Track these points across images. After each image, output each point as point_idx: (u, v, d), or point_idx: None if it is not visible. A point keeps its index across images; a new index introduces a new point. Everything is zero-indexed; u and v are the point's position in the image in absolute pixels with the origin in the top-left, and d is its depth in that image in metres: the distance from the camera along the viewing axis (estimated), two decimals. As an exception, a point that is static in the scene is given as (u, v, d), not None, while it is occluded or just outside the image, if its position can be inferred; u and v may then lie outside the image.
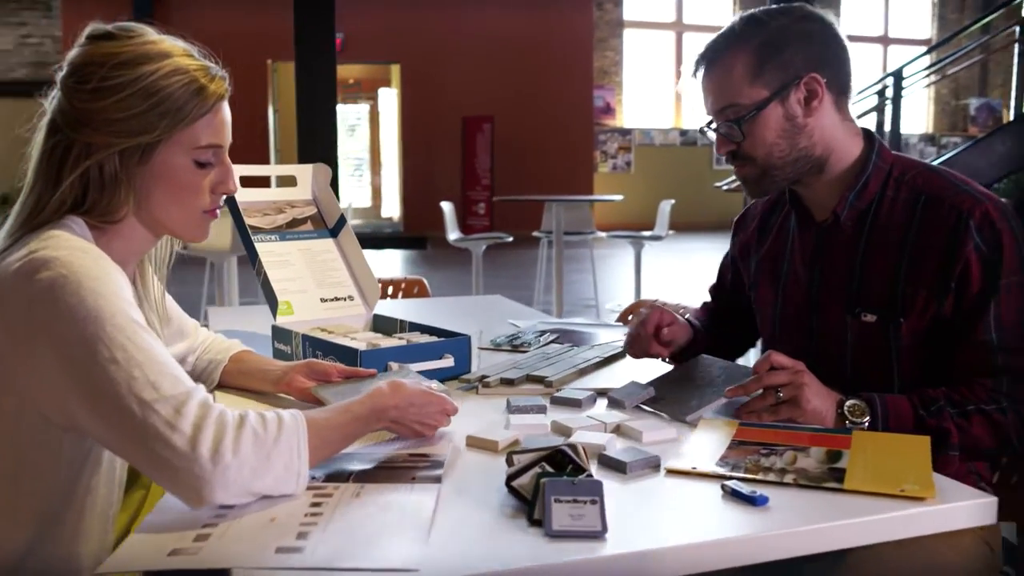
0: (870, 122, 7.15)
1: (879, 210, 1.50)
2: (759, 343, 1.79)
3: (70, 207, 1.21)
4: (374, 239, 14.03)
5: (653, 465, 1.20)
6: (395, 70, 14.38)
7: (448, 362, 1.67)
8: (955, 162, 6.11)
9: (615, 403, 1.51)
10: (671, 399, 1.48)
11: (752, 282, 1.71)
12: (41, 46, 13.24)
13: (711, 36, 1.53)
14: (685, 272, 9.31)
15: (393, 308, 2.67)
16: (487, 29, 13.51)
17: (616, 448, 1.25)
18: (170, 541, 0.98)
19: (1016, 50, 6.75)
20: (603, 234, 6.35)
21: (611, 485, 1.15)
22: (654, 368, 1.72)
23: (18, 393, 1.10)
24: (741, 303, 1.78)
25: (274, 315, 1.87)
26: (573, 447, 1.15)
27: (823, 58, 1.48)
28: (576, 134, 14.01)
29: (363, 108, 17.34)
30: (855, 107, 8.61)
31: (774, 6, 1.52)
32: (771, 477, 1.14)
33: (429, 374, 1.64)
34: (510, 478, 1.09)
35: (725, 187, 6.07)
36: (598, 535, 0.98)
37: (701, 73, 1.54)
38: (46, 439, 1.15)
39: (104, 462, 1.20)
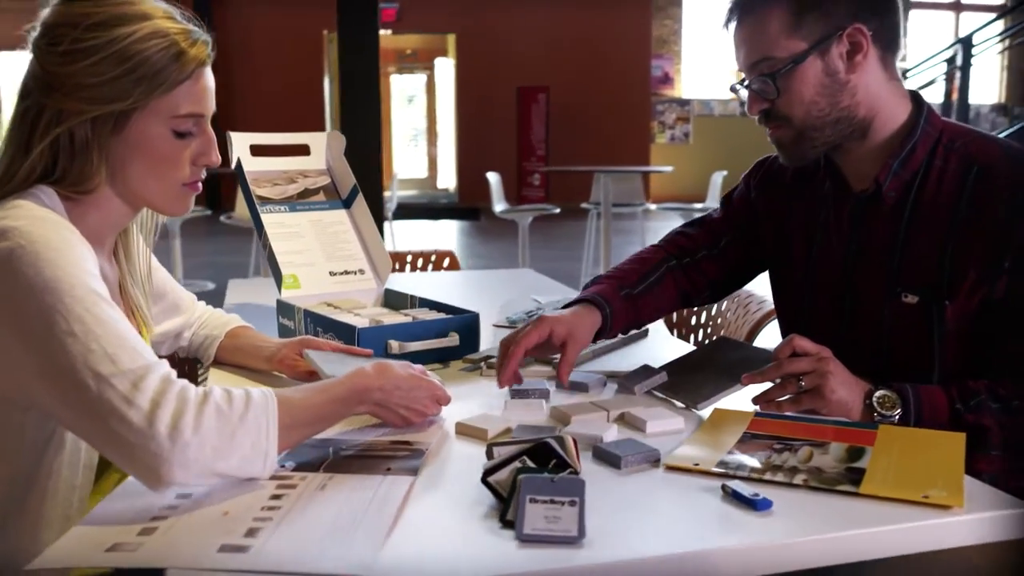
0: (938, 92, 6.84)
1: (926, 180, 1.36)
2: (774, 325, 1.65)
3: (40, 176, 1.14)
4: (429, 210, 14.04)
5: (651, 460, 1.09)
6: (451, 40, 14.26)
7: (453, 340, 1.58)
8: (1027, 133, 5.80)
9: (625, 388, 1.40)
10: (684, 385, 1.37)
11: (775, 255, 1.58)
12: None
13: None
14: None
15: (419, 281, 2.59)
16: (543, -3, 13.30)
17: (614, 440, 1.15)
18: (113, 534, 0.91)
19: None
20: (653, 206, 6.19)
21: (603, 480, 1.05)
22: (677, 350, 1.61)
23: None
24: (737, 254, 1.62)
25: (279, 289, 1.80)
26: (561, 440, 1.05)
27: (870, 8, 1.34)
28: (633, 104, 13.73)
29: (420, 78, 17.29)
30: (921, 76, 8.27)
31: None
32: (779, 477, 1.03)
33: (433, 353, 1.56)
34: (487, 472, 0.99)
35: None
36: (573, 541, 0.88)
37: (733, 24, 1.40)
38: (6, 420, 1.09)
39: (68, 444, 1.14)
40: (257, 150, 1.94)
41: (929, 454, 1.09)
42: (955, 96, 6.67)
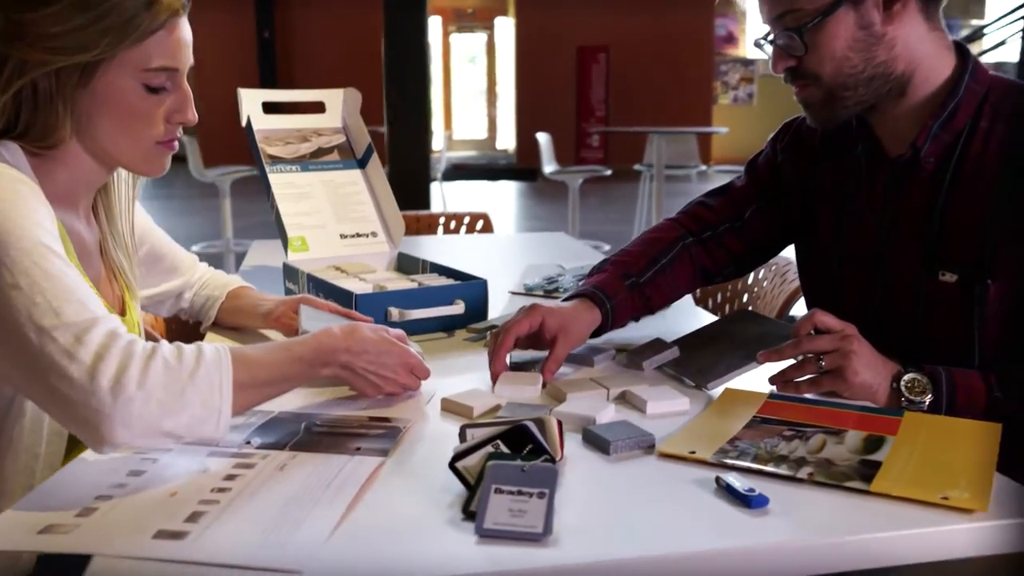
0: (1012, 52, 6.44)
1: (969, 144, 1.22)
2: (800, 300, 1.52)
3: (3, 130, 1.08)
4: (487, 171, 13.95)
5: (645, 445, 1.00)
6: (510, -2, 14.05)
7: (458, 309, 1.50)
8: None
9: (633, 363, 1.30)
10: (696, 362, 1.26)
11: (802, 226, 1.45)
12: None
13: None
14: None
15: (447, 244, 2.51)
16: (604, -46, 12.98)
17: (608, 422, 1.06)
18: (51, 515, 0.85)
19: None
20: (706, 167, 5.99)
21: (588, 468, 0.96)
22: (699, 322, 1.50)
23: None
24: (762, 225, 1.48)
25: (285, 252, 1.73)
26: (541, 422, 0.96)
27: None
28: (695, 65, 13.36)
29: (480, 38, 17.10)
30: (993, 36, 7.80)
31: None
32: (783, 469, 0.93)
33: (436, 321, 1.48)
34: (456, 457, 0.91)
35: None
36: (536, 538, 0.79)
37: None
38: None
39: (29, 410, 1.09)
40: (270, 107, 1.87)
41: (958, 447, 0.97)
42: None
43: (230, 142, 6.60)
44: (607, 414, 1.08)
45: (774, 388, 1.18)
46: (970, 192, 1.21)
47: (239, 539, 0.80)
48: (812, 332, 1.17)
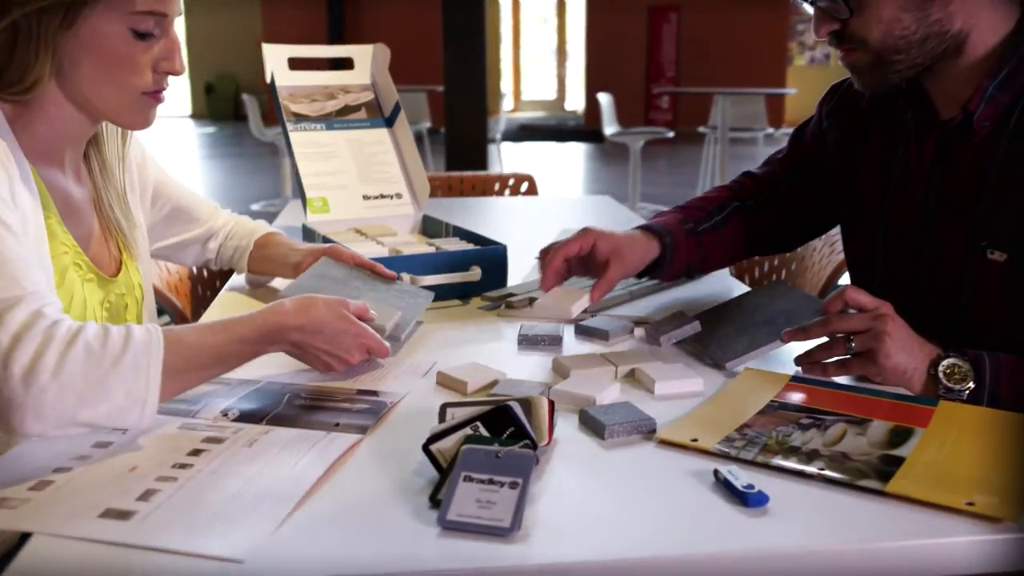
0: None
1: None
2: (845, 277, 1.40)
3: None
4: (555, 132, 13.79)
5: (644, 430, 0.92)
6: (581, -45, 13.75)
7: (474, 275, 1.42)
8: None
9: (651, 338, 1.22)
10: (717, 338, 1.17)
11: (845, 197, 1.33)
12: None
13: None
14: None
15: (483, 206, 2.43)
16: (679, -92, 12.57)
17: (609, 402, 0.98)
18: (5, 489, 0.81)
19: None
20: (773, 131, 5.77)
21: (579, 454, 0.88)
22: (727, 294, 1.40)
23: None
24: (802, 200, 1.39)
25: (305, 213, 1.68)
26: (528, 403, 0.88)
27: None
28: (768, 24, 12.90)
29: (551, -3, 16.85)
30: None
31: None
32: (791, 463, 0.84)
33: (451, 288, 1.41)
34: (431, 439, 0.84)
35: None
36: (502, 534, 0.72)
37: None
38: None
39: None
40: (296, 64, 1.81)
41: (993, 444, 0.87)
42: None
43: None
44: (610, 394, 1.00)
45: (800, 370, 1.09)
46: None
47: (187, 522, 0.75)
48: (844, 310, 1.07)
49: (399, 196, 1.78)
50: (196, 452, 0.87)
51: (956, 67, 1.14)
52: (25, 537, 0.73)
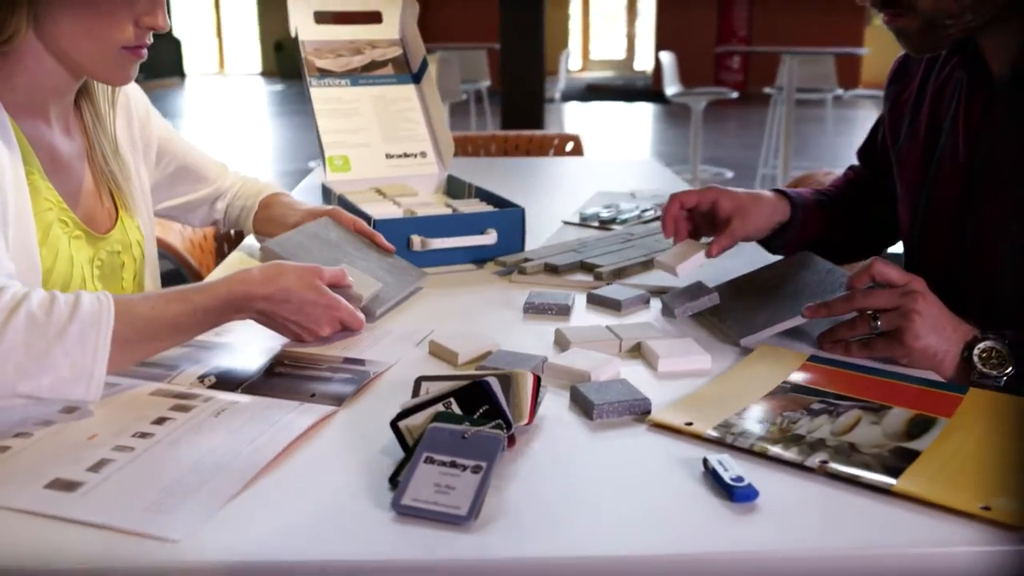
0: None
1: None
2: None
3: None
4: (623, 92, 13.55)
5: (636, 411, 0.85)
6: (653, -91, 13.37)
7: (489, 238, 1.36)
8: None
9: (668, 310, 1.14)
10: (735, 311, 1.09)
11: (897, 158, 1.23)
12: None
13: None
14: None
15: (521, 166, 2.36)
16: None
17: (605, 380, 0.91)
18: (-38, 452, 0.78)
19: None
20: (843, 92, 5.53)
21: (563, 435, 0.82)
22: (754, 263, 1.31)
23: None
24: (887, 182, 1.29)
25: (325, 171, 1.63)
26: (508, 379, 0.82)
27: None
28: (849, -20, 12.41)
29: (622, -46, 16.48)
30: None
31: None
32: (791, 453, 0.76)
33: (464, 252, 1.35)
34: (401, 415, 0.79)
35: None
36: (458, 522, 0.66)
37: None
38: None
39: None
40: (322, 17, 1.75)
41: (1022, 440, 0.78)
42: None
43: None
44: (607, 370, 0.93)
45: (823, 348, 1.00)
46: None
47: (132, 497, 0.71)
48: (872, 285, 0.98)
49: (423, 155, 1.72)
50: (160, 420, 0.83)
51: (1013, 24, 1.02)
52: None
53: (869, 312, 0.96)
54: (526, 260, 1.32)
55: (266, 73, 16.93)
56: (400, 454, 0.77)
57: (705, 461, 0.74)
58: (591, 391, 0.86)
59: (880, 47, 7.63)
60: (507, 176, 2.18)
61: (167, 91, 14.31)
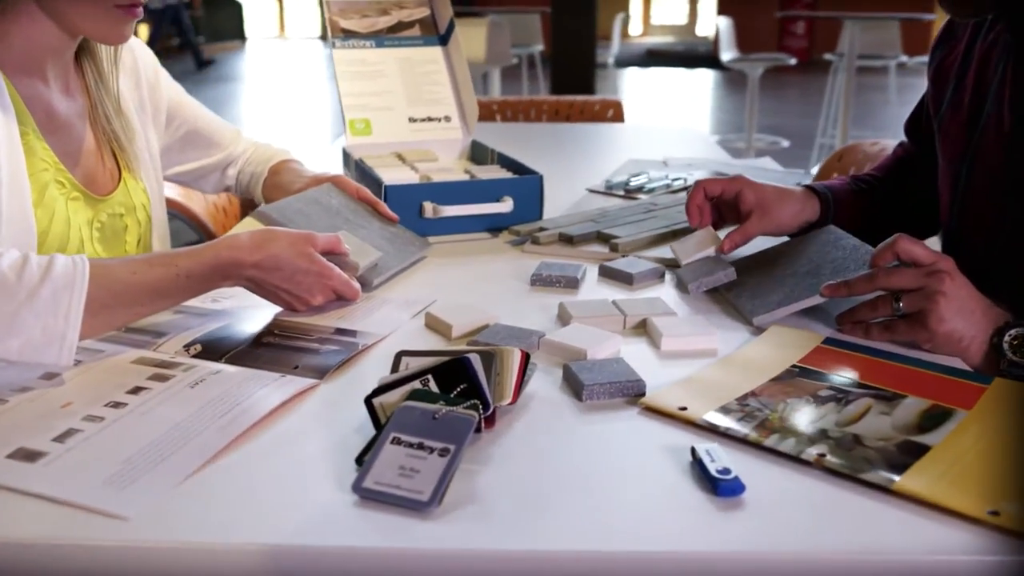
0: None
1: None
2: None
3: None
4: (684, 58, 13.30)
5: (629, 393, 0.80)
6: None
7: (504, 206, 1.31)
8: None
9: (682, 285, 1.08)
10: (750, 289, 1.03)
11: (940, 127, 1.15)
12: None
13: None
14: None
15: (556, 132, 2.30)
16: None
17: (600, 357, 0.86)
18: (-66, 416, 0.77)
19: None
20: (907, 59, 5.31)
21: (550, 417, 0.78)
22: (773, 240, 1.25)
23: None
24: (935, 159, 1.20)
25: (346, 135, 1.60)
26: (490, 356, 0.78)
27: None
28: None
29: (686, -86, 16.09)
30: None
31: None
32: (788, 444, 0.71)
33: (481, 219, 1.31)
34: (376, 391, 0.75)
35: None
36: (419, 508, 0.63)
37: None
38: None
39: None
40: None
41: (1048, 436, 0.71)
42: None
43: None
44: (607, 347, 0.89)
45: (841, 330, 0.94)
46: None
47: (92, 470, 0.68)
48: (897, 264, 0.91)
49: (447, 119, 1.67)
50: (136, 390, 0.81)
51: None
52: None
53: (892, 292, 0.90)
54: (540, 229, 1.27)
55: (325, 37, 16.98)
56: (367, 432, 0.73)
57: (693, 450, 0.69)
58: (583, 370, 0.82)
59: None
60: (539, 142, 2.12)
61: (228, 54, 14.43)
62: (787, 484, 0.66)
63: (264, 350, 0.90)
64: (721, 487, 0.64)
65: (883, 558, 0.59)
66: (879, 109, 7.33)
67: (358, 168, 1.45)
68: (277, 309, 1.00)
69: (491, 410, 0.73)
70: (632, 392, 0.80)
